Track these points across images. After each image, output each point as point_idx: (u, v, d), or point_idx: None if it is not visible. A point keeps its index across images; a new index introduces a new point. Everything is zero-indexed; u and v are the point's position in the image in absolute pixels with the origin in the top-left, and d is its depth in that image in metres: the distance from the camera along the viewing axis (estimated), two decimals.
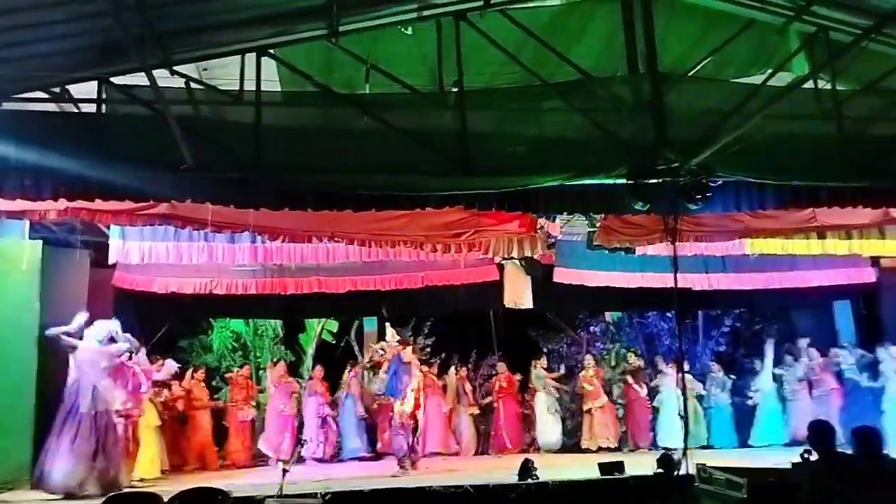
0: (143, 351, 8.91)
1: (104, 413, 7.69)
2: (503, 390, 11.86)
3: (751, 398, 11.72)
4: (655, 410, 11.59)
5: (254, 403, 11.41)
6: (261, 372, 13.16)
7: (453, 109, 6.89)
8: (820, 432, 4.84)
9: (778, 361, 11.96)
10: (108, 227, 8.71)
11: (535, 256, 10.00)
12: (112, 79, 6.45)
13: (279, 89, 7.02)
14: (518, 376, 12.10)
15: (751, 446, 11.37)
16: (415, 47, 7.12)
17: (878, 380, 10.59)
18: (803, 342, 11.85)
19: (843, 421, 9.55)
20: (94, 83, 6.47)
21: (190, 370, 10.92)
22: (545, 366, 12.22)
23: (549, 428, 11.68)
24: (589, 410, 11.52)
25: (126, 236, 8.77)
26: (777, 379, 11.68)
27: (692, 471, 6.71)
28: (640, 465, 7.55)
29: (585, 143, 6.93)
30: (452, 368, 12.19)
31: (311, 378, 11.95)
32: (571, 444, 11.69)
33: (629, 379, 11.85)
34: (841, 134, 7.17)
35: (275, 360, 12.27)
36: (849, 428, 5.66)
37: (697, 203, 7.02)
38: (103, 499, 5.83)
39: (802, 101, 7.19)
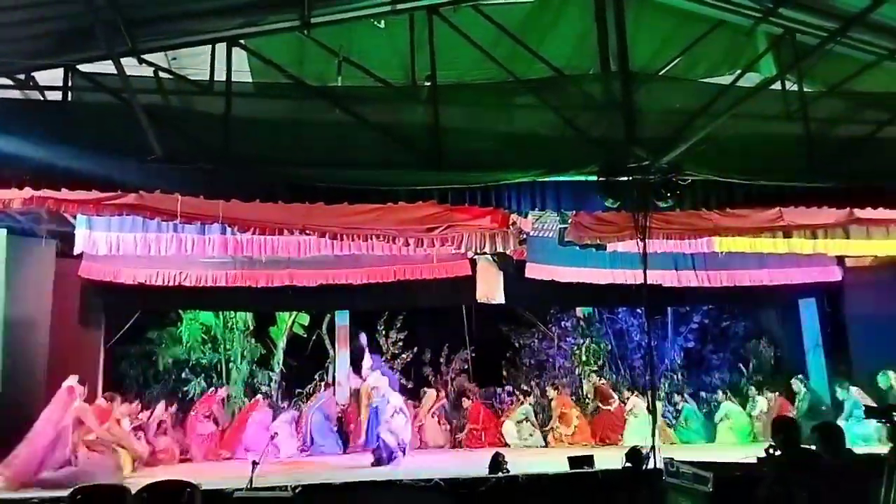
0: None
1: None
2: (478, 420, 11.92)
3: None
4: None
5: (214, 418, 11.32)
6: (230, 364, 13.09)
7: (426, 104, 6.89)
8: (784, 428, 4.94)
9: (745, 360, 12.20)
10: (75, 217, 8.57)
11: (508, 252, 10.03)
12: (78, 66, 6.35)
13: (250, 80, 6.96)
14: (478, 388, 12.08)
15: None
16: (388, 41, 7.10)
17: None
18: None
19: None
20: (60, 70, 6.37)
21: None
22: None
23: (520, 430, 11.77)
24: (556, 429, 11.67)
25: (93, 226, 8.63)
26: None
27: (660, 465, 6.81)
28: (610, 459, 7.63)
29: (557, 140, 6.96)
30: (431, 392, 12.16)
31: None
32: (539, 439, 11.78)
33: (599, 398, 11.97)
34: (807, 135, 7.29)
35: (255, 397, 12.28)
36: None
37: (667, 201, 7.09)
38: (70, 490, 5.88)
39: (770, 101, 7.29)
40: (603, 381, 12.26)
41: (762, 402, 11.67)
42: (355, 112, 6.64)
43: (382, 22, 6.95)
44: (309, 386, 11.82)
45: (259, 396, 11.95)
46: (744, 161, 7.12)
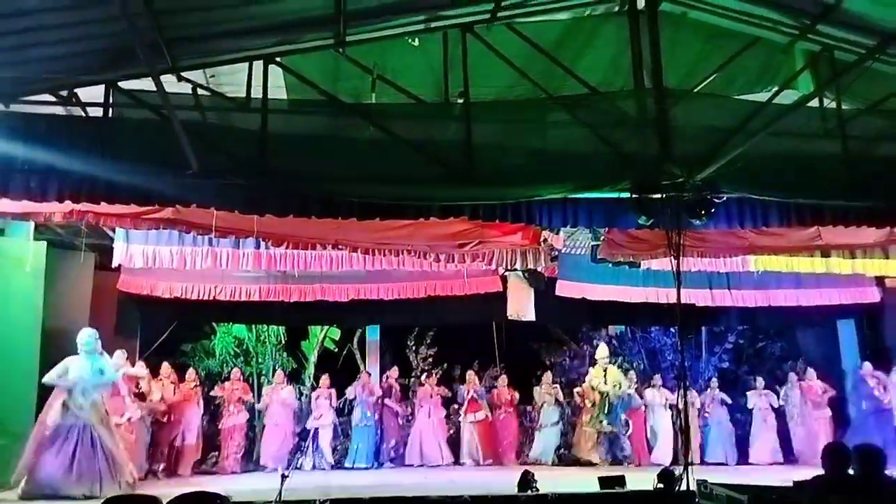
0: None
1: (91, 426, 7.74)
2: (503, 404, 11.83)
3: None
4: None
5: (246, 407, 11.38)
6: (262, 378, 13.18)
7: (459, 121, 6.92)
8: (831, 453, 4.79)
9: (782, 381, 11.98)
10: (113, 231, 8.75)
11: (539, 269, 10.00)
12: (119, 83, 6.50)
13: (286, 97, 7.06)
14: (516, 393, 12.04)
15: (750, 463, 11.36)
16: (421, 59, 7.17)
17: None
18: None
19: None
20: (102, 87, 6.53)
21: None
22: (550, 380, 12.17)
23: (546, 442, 11.64)
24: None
25: (130, 240, 8.80)
26: (780, 398, 11.70)
27: (693, 487, 6.69)
28: (641, 480, 7.52)
29: (590, 156, 6.95)
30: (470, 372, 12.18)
31: (316, 387, 11.95)
32: (569, 457, 11.64)
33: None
34: (845, 153, 7.18)
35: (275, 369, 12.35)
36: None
37: (701, 218, 7.02)
38: (104, 499, 5.94)
39: (807, 119, 7.21)
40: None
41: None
42: (388, 128, 6.71)
43: (416, 40, 7.02)
44: (339, 400, 11.84)
45: (279, 372, 12.00)
46: (780, 179, 7.04)
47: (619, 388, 11.41)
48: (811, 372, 11.81)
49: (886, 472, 4.65)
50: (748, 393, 11.95)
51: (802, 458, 11.21)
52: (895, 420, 10.69)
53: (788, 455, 11.56)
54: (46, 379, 7.74)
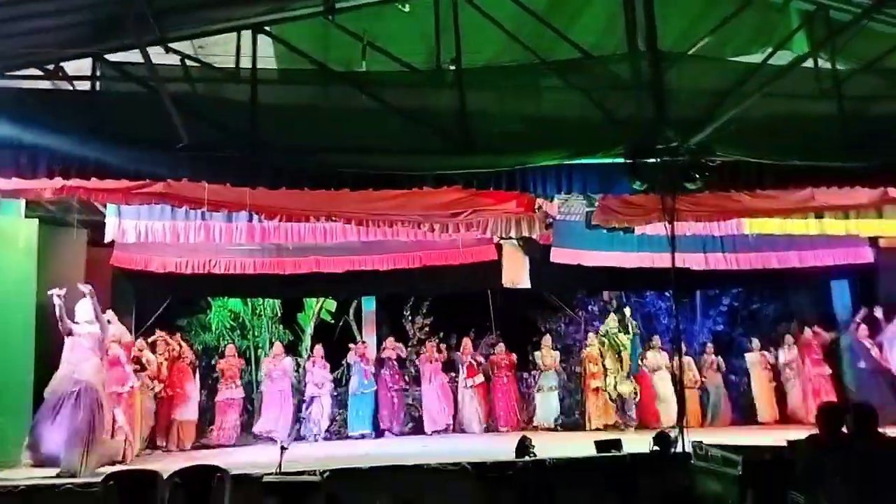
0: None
1: (92, 391, 7.70)
2: (502, 368, 11.89)
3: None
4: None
5: (240, 383, 11.42)
6: (259, 351, 13.21)
7: (451, 88, 6.84)
8: (825, 413, 4.83)
9: (776, 342, 12.08)
10: (105, 206, 8.68)
11: (534, 236, 9.99)
12: (106, 56, 6.39)
13: (276, 67, 6.97)
14: (515, 356, 12.12)
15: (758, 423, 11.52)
16: (413, 25, 7.05)
17: None
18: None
19: None
20: (89, 60, 6.42)
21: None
22: (549, 343, 12.22)
23: (548, 406, 11.73)
24: (596, 390, 11.50)
25: (122, 215, 8.73)
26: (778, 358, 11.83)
27: (688, 448, 6.77)
28: (637, 442, 7.61)
29: (584, 121, 6.89)
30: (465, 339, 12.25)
31: (311, 357, 12.00)
32: (569, 422, 11.75)
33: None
34: (841, 113, 7.13)
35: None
36: None
37: (696, 182, 6.99)
38: (105, 474, 5.99)
39: (802, 80, 7.14)
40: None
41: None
42: (380, 97, 6.63)
43: (407, 6, 6.90)
44: (337, 371, 11.89)
45: (277, 343, 12.04)
46: (775, 141, 7.00)
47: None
48: (808, 331, 11.88)
49: (880, 430, 4.72)
50: (746, 354, 12.02)
51: (796, 417, 11.38)
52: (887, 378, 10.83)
53: (784, 414, 11.69)
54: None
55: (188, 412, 10.52)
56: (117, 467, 7.39)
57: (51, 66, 6.50)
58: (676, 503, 6.63)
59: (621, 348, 11.60)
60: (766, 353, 11.96)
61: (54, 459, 7.36)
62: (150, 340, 10.32)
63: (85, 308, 7.94)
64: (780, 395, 11.81)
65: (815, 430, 4.69)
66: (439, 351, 12.06)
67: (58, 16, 5.99)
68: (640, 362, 11.82)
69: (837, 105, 7.16)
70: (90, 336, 7.86)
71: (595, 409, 11.41)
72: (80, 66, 6.52)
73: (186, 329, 13.11)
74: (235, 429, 11.04)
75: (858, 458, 4.47)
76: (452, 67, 6.82)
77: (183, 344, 10.97)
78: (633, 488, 6.86)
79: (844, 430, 4.69)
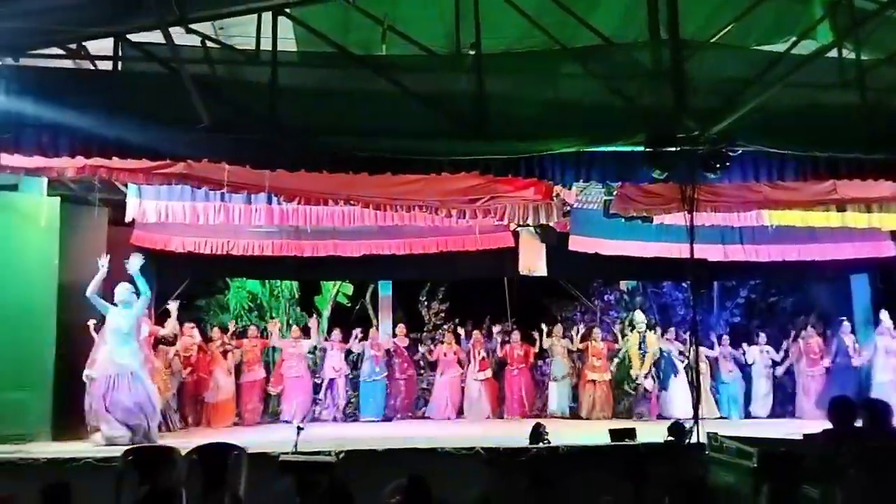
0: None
1: (136, 373, 8.05)
2: (517, 358, 11.91)
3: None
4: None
5: (262, 364, 11.53)
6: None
7: (470, 73, 6.82)
8: (837, 407, 4.83)
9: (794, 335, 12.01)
10: (126, 186, 8.76)
11: (551, 224, 9.97)
12: (128, 36, 6.43)
13: (295, 49, 6.98)
14: (530, 348, 12.10)
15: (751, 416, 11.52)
16: (432, 9, 7.03)
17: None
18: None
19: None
20: (111, 40, 6.47)
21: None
22: (560, 333, 12.22)
23: (559, 393, 11.76)
24: (593, 381, 11.55)
25: (143, 195, 8.84)
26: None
27: (703, 439, 6.76)
28: (651, 432, 7.60)
29: (604, 109, 6.84)
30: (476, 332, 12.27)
31: (327, 340, 12.08)
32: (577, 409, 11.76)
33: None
34: (864, 104, 7.02)
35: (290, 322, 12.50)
36: None
37: (716, 172, 6.95)
38: (125, 449, 6.11)
39: (825, 70, 7.03)
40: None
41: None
42: (399, 81, 6.62)
43: None
44: (353, 354, 11.98)
45: (295, 327, 12.17)
46: (797, 132, 6.91)
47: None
48: (810, 330, 11.84)
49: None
50: (749, 347, 11.97)
51: (791, 412, 11.46)
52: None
53: (784, 408, 11.71)
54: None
55: (221, 394, 10.69)
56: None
57: (73, 46, 6.54)
58: (690, 493, 6.61)
59: (647, 348, 11.55)
60: (769, 348, 11.89)
61: (122, 436, 7.77)
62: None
63: (121, 290, 8.12)
64: (781, 389, 11.79)
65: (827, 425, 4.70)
66: (458, 343, 12.07)
67: None
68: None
69: (860, 96, 7.04)
70: (127, 318, 8.05)
71: (589, 401, 11.45)
72: (101, 46, 6.57)
73: (205, 309, 13.26)
74: (259, 409, 11.20)
75: (873, 453, 4.46)
76: (472, 52, 6.79)
77: (216, 331, 11.17)
78: (646, 477, 6.86)
79: (858, 424, 4.70)
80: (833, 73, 7.13)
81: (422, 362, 12.47)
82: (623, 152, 7.09)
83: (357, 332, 11.87)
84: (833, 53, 7.06)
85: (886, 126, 6.91)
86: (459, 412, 11.71)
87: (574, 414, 11.66)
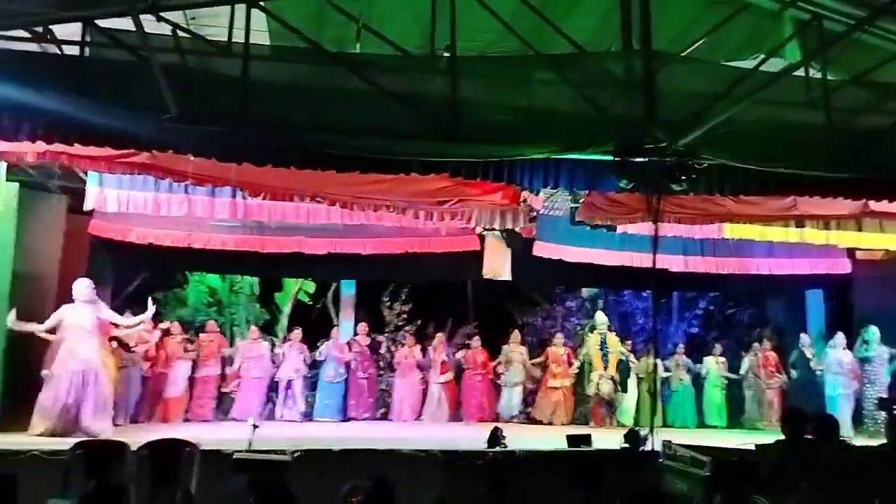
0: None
1: (98, 370, 7.94)
2: (477, 363, 11.93)
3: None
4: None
5: (218, 359, 11.38)
6: (234, 328, 13.15)
7: (444, 75, 6.81)
8: (791, 418, 4.95)
9: (749, 347, 12.23)
10: (87, 174, 8.56)
11: (517, 229, 10.01)
12: (97, 21, 6.29)
13: (268, 43, 6.90)
14: (486, 354, 12.12)
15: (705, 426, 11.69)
16: (409, 8, 7.01)
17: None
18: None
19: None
20: (79, 25, 6.32)
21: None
22: (518, 339, 12.26)
23: (509, 397, 11.82)
24: (553, 387, 11.63)
25: (104, 183, 8.60)
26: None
27: (658, 447, 6.83)
28: (607, 440, 7.67)
29: (575, 117, 6.88)
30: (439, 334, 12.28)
31: (287, 339, 11.96)
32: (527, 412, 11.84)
33: None
34: (828, 124, 7.19)
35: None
36: None
37: (681, 184, 7.04)
38: (74, 443, 5.96)
39: (792, 88, 7.17)
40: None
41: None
42: (372, 80, 6.57)
43: None
44: (312, 353, 11.87)
45: (254, 327, 12.05)
46: (761, 147, 7.04)
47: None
48: (766, 343, 12.09)
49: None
50: (705, 358, 12.17)
51: (749, 423, 11.62)
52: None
53: (737, 418, 11.90)
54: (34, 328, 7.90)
55: (176, 389, 10.53)
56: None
57: (39, 29, 6.38)
58: (643, 501, 6.68)
59: (609, 349, 11.65)
60: (724, 360, 12.11)
61: (84, 430, 7.65)
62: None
63: (82, 287, 7.95)
64: (737, 400, 12.00)
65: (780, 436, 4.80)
66: (422, 348, 12.07)
67: None
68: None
69: (825, 115, 7.21)
70: (88, 316, 7.89)
71: (547, 406, 11.53)
72: (68, 31, 6.41)
73: (162, 303, 13.01)
74: (211, 405, 11.03)
75: (824, 465, 4.57)
76: (447, 54, 6.78)
77: (175, 325, 10.99)
78: (600, 484, 6.91)
79: (809, 436, 4.81)
80: (799, 91, 7.28)
81: (381, 363, 12.40)
82: (591, 161, 7.14)
83: (322, 344, 11.78)
84: (800, 72, 7.21)
85: (848, 146, 7.07)
86: (418, 415, 11.68)
87: (530, 418, 11.70)
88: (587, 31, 7.23)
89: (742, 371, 11.97)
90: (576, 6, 7.22)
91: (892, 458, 5.20)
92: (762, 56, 7.27)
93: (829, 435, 4.87)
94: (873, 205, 8.57)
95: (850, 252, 11.48)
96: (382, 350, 12.39)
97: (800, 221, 9.50)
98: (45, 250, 8.10)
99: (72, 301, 8.16)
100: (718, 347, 12.33)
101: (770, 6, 7.33)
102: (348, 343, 11.88)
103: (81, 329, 7.93)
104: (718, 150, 6.93)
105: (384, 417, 11.77)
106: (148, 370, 10.26)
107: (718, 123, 6.54)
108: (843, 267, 11.83)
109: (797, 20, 7.38)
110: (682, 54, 7.34)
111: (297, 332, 11.81)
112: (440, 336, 12.21)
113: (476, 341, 12.14)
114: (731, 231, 9.87)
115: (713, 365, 12.06)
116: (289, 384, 11.35)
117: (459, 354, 12.05)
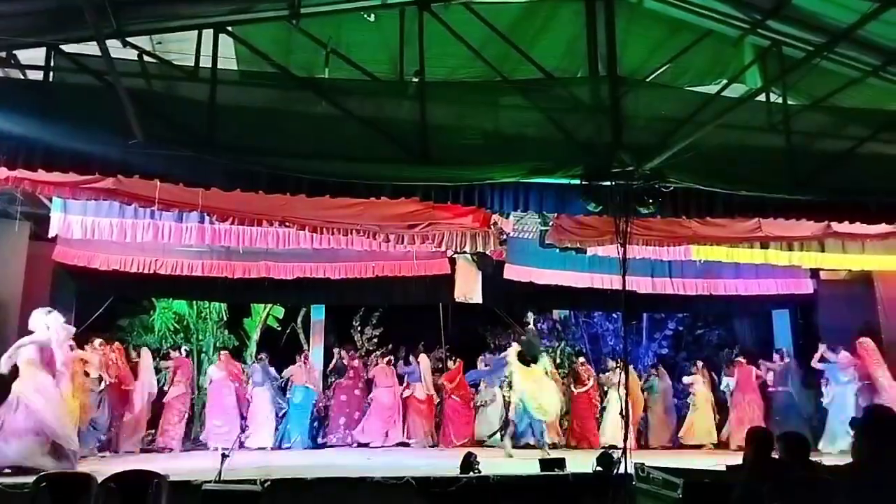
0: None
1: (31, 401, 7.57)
2: (451, 387, 11.86)
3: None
4: (603, 410, 11.80)
5: (186, 385, 11.20)
6: (202, 356, 12.95)
7: (413, 100, 6.84)
8: (756, 438, 4.96)
9: (717, 367, 12.34)
10: (51, 200, 8.41)
11: (487, 252, 10.03)
12: (62, 46, 6.22)
13: (236, 68, 6.88)
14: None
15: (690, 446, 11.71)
16: (377, 35, 7.06)
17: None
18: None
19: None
20: (43, 50, 6.24)
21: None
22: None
23: (485, 421, 11.79)
24: None
25: (68, 210, 8.46)
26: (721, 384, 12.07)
27: (630, 470, 6.83)
28: (581, 462, 7.66)
29: (543, 141, 6.96)
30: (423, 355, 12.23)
31: (257, 362, 11.82)
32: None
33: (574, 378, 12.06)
34: (789, 147, 7.35)
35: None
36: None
37: (649, 207, 7.12)
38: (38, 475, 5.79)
39: (754, 113, 7.34)
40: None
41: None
42: (341, 105, 6.58)
43: (372, 15, 6.90)
44: (281, 380, 11.72)
45: (224, 353, 11.89)
46: (726, 171, 7.16)
47: None
48: (742, 360, 12.19)
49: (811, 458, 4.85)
50: (691, 377, 12.22)
51: (733, 441, 11.60)
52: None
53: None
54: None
55: (129, 415, 10.30)
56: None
57: (2, 54, 6.29)
58: None
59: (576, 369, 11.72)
60: (707, 375, 12.18)
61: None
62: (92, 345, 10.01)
63: (38, 320, 7.74)
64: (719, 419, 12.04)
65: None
66: (394, 366, 11.99)
67: (11, 2, 5.81)
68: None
69: (786, 139, 7.38)
70: (38, 352, 7.70)
71: None
72: (33, 56, 6.33)
73: (127, 330, 12.80)
74: (178, 432, 10.83)
75: (793, 485, 4.58)
76: (415, 79, 6.82)
77: (116, 353, 10.63)
78: None
79: (776, 456, 4.83)
80: (761, 116, 7.44)
81: (357, 390, 12.26)
82: (560, 184, 7.20)
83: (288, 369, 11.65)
84: (762, 97, 7.36)
85: (810, 169, 7.23)
86: (390, 437, 11.56)
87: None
88: (555, 58, 7.34)
89: (722, 387, 12.04)
90: (543, 33, 7.33)
91: (860, 478, 5.24)
92: (724, 81, 7.43)
93: (799, 455, 4.88)
94: (835, 226, 8.73)
95: (814, 272, 11.68)
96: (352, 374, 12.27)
97: (764, 243, 9.66)
98: (6, 278, 7.92)
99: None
100: (700, 364, 12.38)
101: (731, 33, 7.50)
102: (336, 367, 11.73)
103: (34, 362, 7.68)
104: (684, 174, 7.03)
105: (356, 443, 11.60)
106: (102, 392, 9.92)
107: (683, 147, 6.63)
108: (807, 287, 12.07)
109: (758, 47, 7.57)
110: (648, 80, 7.47)
111: (264, 358, 11.68)
112: (424, 357, 12.17)
113: (451, 364, 12.10)
114: (698, 253, 10.01)
115: (700, 384, 12.10)
116: (256, 410, 11.16)
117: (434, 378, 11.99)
